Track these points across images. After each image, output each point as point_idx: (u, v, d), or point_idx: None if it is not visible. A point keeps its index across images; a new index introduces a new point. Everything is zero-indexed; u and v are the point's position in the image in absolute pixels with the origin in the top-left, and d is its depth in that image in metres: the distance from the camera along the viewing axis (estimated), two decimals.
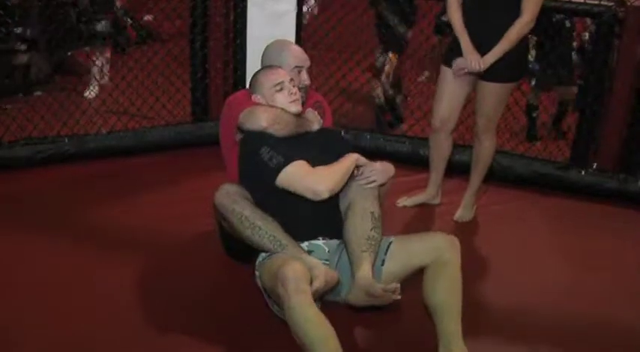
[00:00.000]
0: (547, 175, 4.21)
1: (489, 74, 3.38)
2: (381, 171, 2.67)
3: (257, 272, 2.62)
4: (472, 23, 3.38)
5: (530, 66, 5.54)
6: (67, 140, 4.20)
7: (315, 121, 2.79)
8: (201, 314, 2.68)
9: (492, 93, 3.45)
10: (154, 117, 4.76)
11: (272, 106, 2.71)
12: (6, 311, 2.62)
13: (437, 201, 3.86)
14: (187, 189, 3.84)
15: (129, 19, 7.04)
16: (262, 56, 2.98)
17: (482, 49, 3.33)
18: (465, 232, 3.54)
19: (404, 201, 3.83)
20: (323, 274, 2.43)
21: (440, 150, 3.72)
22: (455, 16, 3.41)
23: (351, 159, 2.65)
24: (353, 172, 2.66)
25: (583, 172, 4.16)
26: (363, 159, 2.68)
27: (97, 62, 5.69)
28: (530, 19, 3.29)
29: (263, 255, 2.59)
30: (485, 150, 3.63)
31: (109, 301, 2.73)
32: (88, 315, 2.62)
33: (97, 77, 5.63)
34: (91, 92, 5.55)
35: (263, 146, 2.62)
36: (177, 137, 4.51)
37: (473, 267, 3.09)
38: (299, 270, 2.32)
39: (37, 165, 4.03)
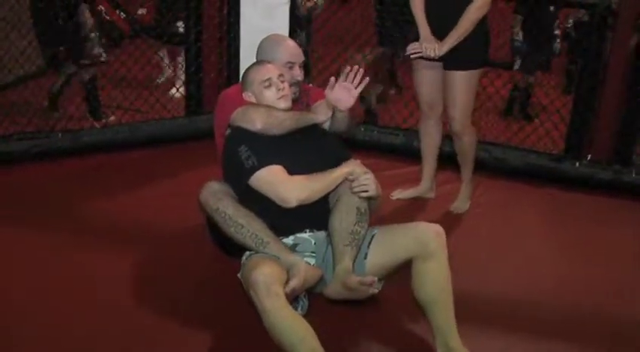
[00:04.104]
0: (541, 167, 4.22)
1: (450, 63, 3.39)
2: (374, 182, 2.60)
3: (240, 273, 2.60)
4: (431, 9, 3.39)
5: (517, 45, 5.67)
6: (61, 135, 4.19)
7: (322, 113, 2.73)
8: (198, 309, 2.68)
9: (457, 82, 3.43)
10: (148, 111, 4.75)
11: (266, 105, 2.68)
12: (5, 308, 2.61)
13: (432, 195, 3.85)
14: (181, 183, 3.83)
15: (122, 13, 6.99)
16: (257, 50, 2.97)
17: (440, 34, 3.34)
18: (459, 223, 3.56)
19: (398, 194, 3.82)
20: (302, 272, 2.41)
21: (431, 138, 3.70)
22: (416, 2, 3.42)
23: (341, 172, 2.59)
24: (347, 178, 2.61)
25: (577, 164, 4.17)
26: (358, 171, 2.59)
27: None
28: (481, 4, 3.28)
29: (247, 253, 2.58)
30: (465, 144, 3.60)
31: (107, 297, 2.73)
32: (86, 312, 2.62)
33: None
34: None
35: (242, 144, 2.60)
36: (171, 131, 4.51)
37: (467, 259, 3.09)
38: (269, 274, 2.30)
39: (31, 160, 4.01)
